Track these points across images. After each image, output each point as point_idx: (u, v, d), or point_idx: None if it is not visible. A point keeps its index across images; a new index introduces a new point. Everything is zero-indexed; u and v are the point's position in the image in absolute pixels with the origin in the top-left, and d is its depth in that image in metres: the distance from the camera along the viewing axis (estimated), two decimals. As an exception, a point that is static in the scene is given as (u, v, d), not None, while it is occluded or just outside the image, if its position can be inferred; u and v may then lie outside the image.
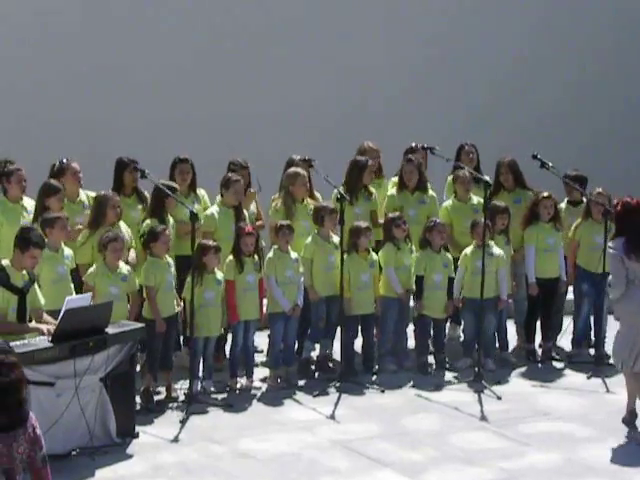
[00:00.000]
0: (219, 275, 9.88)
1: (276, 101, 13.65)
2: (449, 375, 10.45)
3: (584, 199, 10.92)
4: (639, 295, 8.69)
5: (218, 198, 10.39)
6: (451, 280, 10.55)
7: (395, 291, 10.46)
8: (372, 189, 10.83)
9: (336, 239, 10.33)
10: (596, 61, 15.44)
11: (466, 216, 10.80)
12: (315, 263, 10.24)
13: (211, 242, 9.81)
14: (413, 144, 11.12)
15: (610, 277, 8.92)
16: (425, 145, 10.77)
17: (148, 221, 10.01)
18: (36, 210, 9.75)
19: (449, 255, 10.63)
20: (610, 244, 8.91)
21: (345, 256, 10.16)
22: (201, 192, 10.63)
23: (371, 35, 14.36)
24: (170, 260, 9.71)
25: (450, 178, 11.29)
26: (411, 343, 10.81)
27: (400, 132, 12.33)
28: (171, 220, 10.15)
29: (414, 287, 10.54)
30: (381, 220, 10.78)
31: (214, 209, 10.35)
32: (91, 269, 9.44)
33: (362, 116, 13.91)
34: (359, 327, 10.48)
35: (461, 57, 14.82)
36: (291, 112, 13.77)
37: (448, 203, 11.05)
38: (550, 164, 10.50)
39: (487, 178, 10.46)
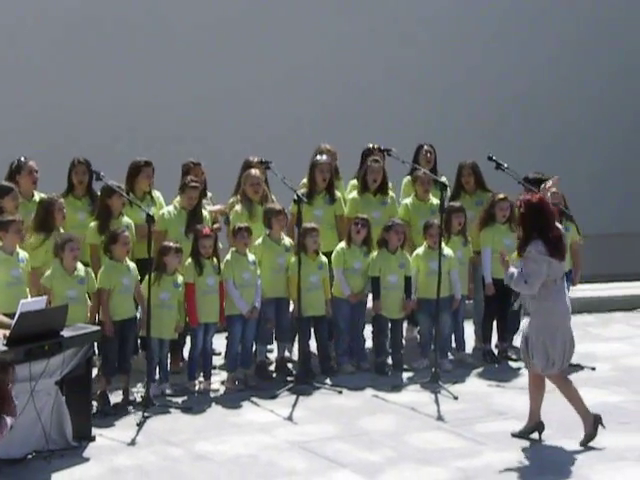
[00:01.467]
0: (179, 279, 9.86)
1: (235, 101, 13.58)
2: (406, 376, 10.49)
3: None
4: (562, 294, 8.50)
5: (177, 199, 10.36)
6: (408, 280, 10.57)
7: (344, 293, 10.46)
8: (337, 192, 10.80)
9: (287, 241, 10.33)
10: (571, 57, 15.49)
11: (424, 216, 10.84)
12: (263, 265, 10.23)
13: (172, 243, 9.79)
14: (370, 145, 11.13)
15: (517, 271, 8.44)
16: (382, 147, 10.78)
17: (92, 224, 9.96)
18: None
19: (407, 254, 10.66)
20: (530, 249, 8.37)
21: (293, 258, 10.17)
22: (156, 194, 10.61)
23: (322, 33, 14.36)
24: (131, 264, 9.67)
25: (407, 179, 11.32)
26: (369, 344, 10.83)
27: (356, 134, 12.33)
28: (125, 221, 10.09)
29: (365, 289, 10.53)
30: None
31: (168, 209, 10.36)
32: (47, 272, 9.38)
33: (320, 118, 13.91)
34: (311, 328, 10.47)
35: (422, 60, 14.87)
36: (250, 111, 13.78)
37: (408, 201, 11.07)
38: (505, 165, 10.51)
39: (444, 179, 10.52)
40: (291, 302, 10.45)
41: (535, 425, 8.75)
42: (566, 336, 8.55)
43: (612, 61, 15.99)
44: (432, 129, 13.58)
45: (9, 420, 5.17)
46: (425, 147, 11.32)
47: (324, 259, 10.43)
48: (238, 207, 10.54)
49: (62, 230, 9.80)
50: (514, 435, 8.77)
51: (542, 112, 15.62)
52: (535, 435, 8.74)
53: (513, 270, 8.52)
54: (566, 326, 8.56)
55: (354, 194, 10.95)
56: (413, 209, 11.00)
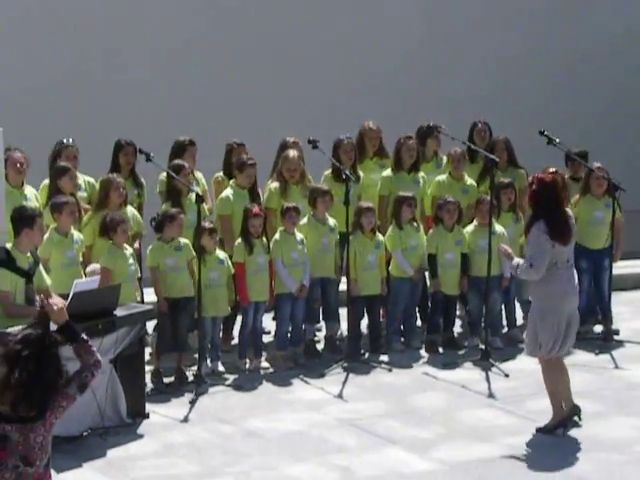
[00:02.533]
0: (221, 255, 9.89)
1: (277, 81, 13.60)
2: (457, 353, 10.50)
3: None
4: (561, 277, 8.29)
5: (232, 181, 10.39)
6: (464, 257, 10.54)
7: (406, 273, 10.47)
8: (360, 172, 10.76)
9: (332, 221, 10.34)
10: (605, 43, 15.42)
11: (455, 195, 10.73)
12: (308, 245, 10.23)
13: (207, 224, 9.81)
14: (428, 124, 11.04)
15: (521, 260, 8.32)
16: (432, 123, 10.74)
17: (164, 205, 10.06)
18: (49, 192, 9.76)
19: (463, 232, 10.62)
20: (533, 230, 8.23)
21: (350, 237, 10.18)
22: (198, 175, 10.64)
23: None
24: (183, 242, 9.71)
25: (446, 155, 11.22)
26: (418, 322, 10.87)
27: (402, 113, 12.31)
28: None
29: (426, 266, 10.53)
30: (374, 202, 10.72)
31: (229, 192, 10.36)
32: (104, 252, 9.45)
33: (366, 94, 13.87)
34: (365, 308, 10.50)
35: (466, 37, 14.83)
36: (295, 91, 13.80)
37: (441, 178, 11.01)
38: (557, 140, 10.46)
39: (493, 156, 10.42)
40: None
41: (571, 410, 8.52)
42: (560, 320, 8.28)
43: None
44: (478, 106, 13.52)
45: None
46: (479, 124, 11.24)
47: (381, 238, 10.42)
48: (273, 185, 10.53)
49: (128, 212, 9.89)
50: (538, 430, 8.49)
51: (583, 92, 15.49)
52: (576, 419, 8.55)
53: (517, 260, 8.39)
54: (561, 310, 8.28)
55: (388, 172, 10.88)
56: (445, 186, 10.92)
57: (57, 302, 5.31)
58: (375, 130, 10.97)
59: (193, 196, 9.74)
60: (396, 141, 10.76)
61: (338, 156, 10.57)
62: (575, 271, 8.45)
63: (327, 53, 14.30)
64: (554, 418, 8.44)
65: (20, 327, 5.17)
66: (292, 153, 10.47)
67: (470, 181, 10.91)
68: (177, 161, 10.12)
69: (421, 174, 10.91)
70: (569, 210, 8.49)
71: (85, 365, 5.31)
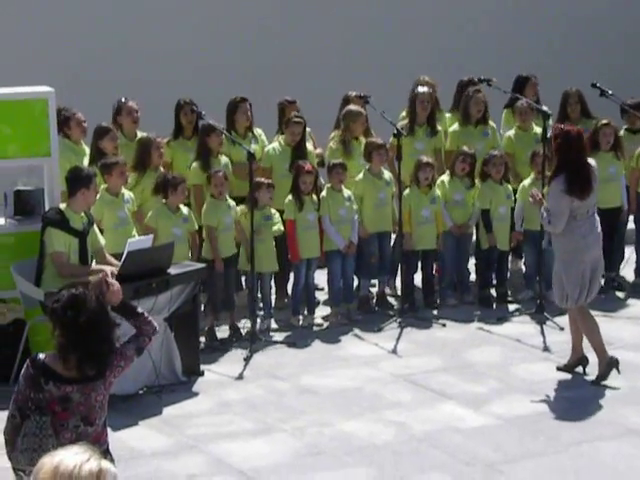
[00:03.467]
0: (271, 211, 9.89)
1: (327, 37, 13.55)
2: (511, 307, 10.45)
3: None
4: (581, 229, 8.35)
5: (279, 137, 10.40)
6: (512, 211, 10.50)
7: (446, 225, 10.44)
8: (438, 126, 10.71)
9: (387, 175, 10.31)
10: None
11: (528, 146, 10.66)
12: (365, 200, 10.22)
13: (264, 179, 9.83)
14: (465, 78, 10.98)
15: (546, 211, 8.35)
16: (482, 77, 10.64)
17: (194, 164, 10.02)
18: (91, 153, 9.81)
19: (509, 186, 10.57)
20: (553, 184, 8.32)
21: (407, 190, 10.13)
22: (258, 131, 10.62)
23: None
24: (231, 202, 9.75)
25: (507, 110, 11.16)
26: (472, 277, 10.79)
27: (448, 66, 12.17)
28: (223, 160, 10.13)
29: (468, 221, 10.49)
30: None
31: (273, 145, 10.37)
32: (151, 212, 9.50)
33: (413, 49, 13.78)
34: (419, 263, 10.48)
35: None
36: (345, 46, 13.72)
37: (511, 132, 10.93)
38: (610, 92, 10.36)
39: (546, 108, 10.34)
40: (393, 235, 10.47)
41: (578, 360, 8.64)
42: (584, 270, 8.35)
43: None
44: (534, 58, 13.34)
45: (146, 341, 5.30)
46: (533, 78, 11.12)
47: (437, 192, 10.37)
48: (333, 143, 10.51)
49: (162, 169, 9.88)
50: (559, 369, 8.67)
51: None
52: (579, 369, 8.62)
53: (543, 209, 8.40)
54: (584, 260, 8.36)
55: (455, 126, 10.84)
56: (516, 140, 10.86)
57: (114, 283, 5.34)
58: (431, 83, 10.85)
59: (223, 158, 9.84)
60: (464, 94, 10.70)
61: (414, 108, 10.54)
62: (597, 218, 8.49)
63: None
64: (600, 364, 8.51)
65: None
66: (355, 107, 10.43)
67: (539, 129, 10.68)
68: (211, 122, 10.04)
69: (491, 124, 10.84)
70: (592, 161, 8.46)
71: (143, 331, 5.38)
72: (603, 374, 8.48)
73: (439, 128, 10.77)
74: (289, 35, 13.68)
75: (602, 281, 8.70)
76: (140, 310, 5.43)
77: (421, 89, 10.65)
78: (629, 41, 15.10)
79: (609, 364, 8.46)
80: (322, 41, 13.72)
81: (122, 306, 5.37)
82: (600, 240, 8.53)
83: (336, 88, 11.10)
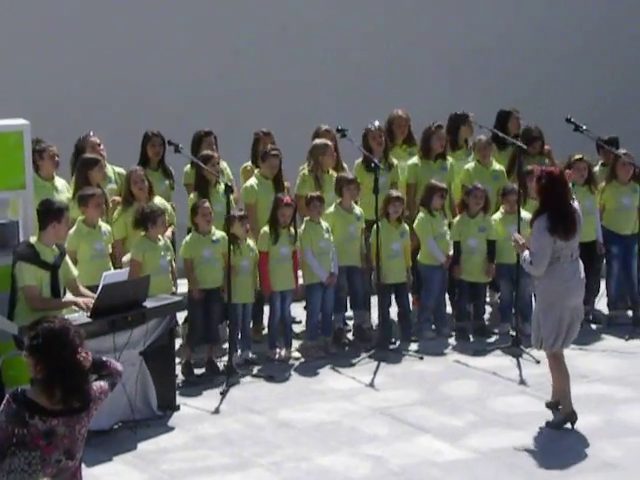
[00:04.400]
0: (252, 243, 9.93)
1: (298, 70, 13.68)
2: (488, 340, 10.47)
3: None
4: (564, 272, 8.22)
5: (257, 171, 10.42)
6: (491, 244, 10.53)
7: (439, 260, 10.47)
8: (393, 159, 10.76)
9: (358, 210, 10.36)
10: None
11: (485, 182, 10.75)
12: (335, 233, 10.23)
13: (237, 212, 9.83)
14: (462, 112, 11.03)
15: (528, 253, 8.24)
16: (462, 111, 10.76)
17: (192, 196, 10.07)
18: (77, 185, 9.80)
19: (489, 218, 10.61)
20: (536, 225, 8.21)
21: (376, 225, 10.18)
22: (223, 164, 10.63)
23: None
24: (219, 234, 9.73)
25: (473, 143, 11.20)
26: (449, 309, 10.82)
27: (421, 101, 12.21)
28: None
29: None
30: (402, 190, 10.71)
31: (253, 181, 10.39)
32: (134, 246, 9.47)
33: (386, 82, 13.85)
34: (392, 296, 10.48)
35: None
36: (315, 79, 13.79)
37: (470, 166, 11.00)
38: (584, 127, 10.47)
39: (520, 143, 10.40)
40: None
41: (567, 416, 8.38)
42: (562, 316, 8.22)
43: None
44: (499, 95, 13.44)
45: (103, 384, 5.28)
46: (513, 112, 11.20)
47: (406, 227, 10.43)
48: (303, 176, 10.52)
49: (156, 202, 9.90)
50: (548, 425, 8.40)
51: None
52: (568, 426, 8.39)
53: (526, 253, 8.30)
54: (564, 305, 8.22)
55: (414, 160, 10.86)
56: (475, 174, 10.90)
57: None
58: (404, 117, 10.96)
59: (222, 187, 9.80)
60: (425, 129, 10.76)
61: (368, 144, 10.57)
62: (581, 264, 8.38)
63: (359, 42, 14.23)
64: (562, 412, 8.38)
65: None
66: (324, 142, 10.47)
67: (499, 167, 10.91)
68: (206, 151, 10.13)
69: (449, 161, 10.90)
70: (575, 203, 8.45)
71: (114, 375, 5.40)
72: (557, 424, 8.36)
73: (395, 162, 10.78)
74: (262, 67, 13.72)
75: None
76: (104, 358, 5.43)
77: (372, 124, 10.66)
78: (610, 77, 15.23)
79: (568, 416, 8.34)
80: (297, 74, 13.78)
81: (92, 365, 5.34)
82: (582, 286, 8.40)
83: (309, 120, 11.13)
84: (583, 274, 8.40)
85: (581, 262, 8.39)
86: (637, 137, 12.28)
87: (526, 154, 10.64)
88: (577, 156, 10.69)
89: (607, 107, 14.38)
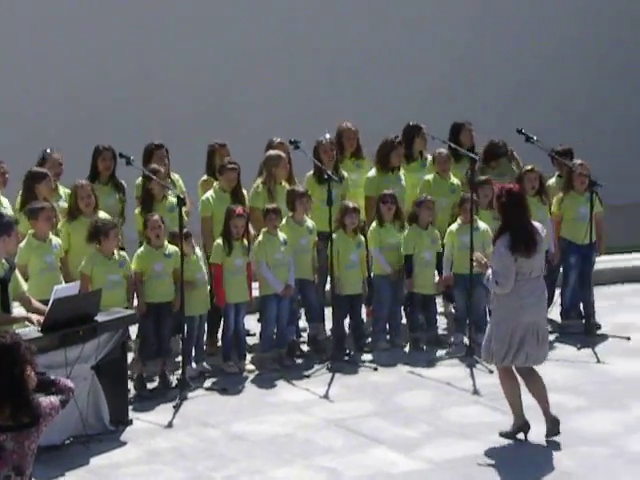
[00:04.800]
0: (201, 256, 9.90)
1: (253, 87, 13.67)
2: (441, 351, 10.48)
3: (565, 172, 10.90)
4: (520, 290, 8.15)
5: (215, 184, 10.37)
6: (439, 255, 10.56)
7: (385, 270, 10.47)
8: (343, 172, 10.74)
9: (310, 223, 10.34)
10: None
11: (444, 194, 10.81)
12: (288, 246, 10.18)
13: (177, 230, 9.60)
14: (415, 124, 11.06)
15: (491, 272, 8.16)
16: (411, 123, 10.80)
17: (136, 211, 10.04)
18: (23, 198, 9.72)
19: (436, 231, 10.65)
20: (498, 244, 8.16)
21: (333, 235, 10.17)
22: (175, 176, 10.58)
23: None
24: (172, 248, 9.66)
25: (432, 156, 11.23)
26: (402, 321, 10.82)
27: (376, 112, 12.25)
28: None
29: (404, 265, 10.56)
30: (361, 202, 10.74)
31: (209, 194, 10.34)
32: (85, 259, 9.39)
33: (333, 96, 13.88)
34: (348, 307, 10.47)
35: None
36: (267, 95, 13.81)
37: (430, 177, 11.03)
38: (535, 138, 10.48)
39: (473, 155, 10.46)
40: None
41: (519, 426, 8.37)
42: (514, 331, 8.16)
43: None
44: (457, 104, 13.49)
45: (54, 399, 5.22)
46: (466, 125, 11.25)
47: (362, 238, 10.42)
48: (257, 188, 10.49)
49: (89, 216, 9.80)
50: (501, 435, 8.40)
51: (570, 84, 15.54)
52: (521, 436, 8.39)
53: (489, 272, 8.26)
54: (517, 322, 8.16)
55: (372, 173, 10.85)
56: (434, 186, 10.94)
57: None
58: (353, 130, 10.95)
59: (170, 200, 9.82)
60: (382, 142, 10.76)
61: (319, 156, 10.56)
62: (542, 282, 8.32)
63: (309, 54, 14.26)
64: (514, 424, 8.36)
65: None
66: (277, 153, 10.44)
67: (456, 180, 10.97)
68: (153, 165, 10.10)
69: (402, 172, 10.92)
70: (536, 223, 8.43)
71: (64, 392, 5.35)
72: (510, 434, 8.35)
73: (345, 175, 10.76)
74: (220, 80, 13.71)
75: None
76: (52, 377, 5.37)
77: (324, 137, 10.64)
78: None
79: (520, 428, 8.33)
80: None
81: (39, 385, 5.28)
82: (541, 304, 8.32)
83: (264, 132, 11.13)
84: (545, 292, 8.37)
85: (543, 282, 8.33)
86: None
87: (487, 167, 10.75)
88: (528, 167, 10.75)
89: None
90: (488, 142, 11.12)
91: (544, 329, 8.37)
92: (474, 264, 8.81)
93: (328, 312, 10.52)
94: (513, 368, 8.32)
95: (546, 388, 8.37)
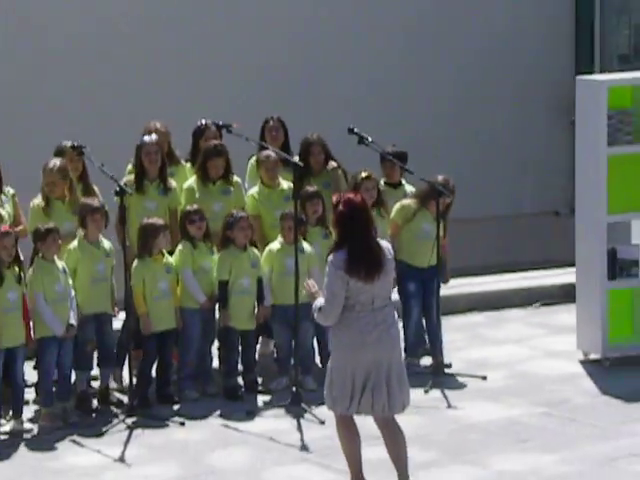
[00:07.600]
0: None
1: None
2: (262, 399, 9.57)
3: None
4: (361, 323, 7.24)
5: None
6: (259, 282, 9.57)
7: (196, 299, 9.38)
8: (172, 181, 9.78)
9: (107, 244, 9.35)
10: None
11: (276, 206, 9.76)
12: (80, 274, 9.17)
13: None
14: (203, 121, 10.01)
15: (321, 301, 7.29)
16: (220, 122, 9.71)
17: None
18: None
19: (256, 252, 9.63)
20: (331, 258, 7.29)
21: (136, 262, 9.18)
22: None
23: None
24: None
25: (253, 160, 10.19)
26: (215, 363, 9.88)
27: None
28: None
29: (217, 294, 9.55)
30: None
31: None
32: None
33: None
34: (157, 346, 9.40)
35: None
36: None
37: (254, 191, 9.99)
38: (370, 139, 9.65)
39: (296, 160, 9.49)
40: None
41: None
42: (355, 374, 7.25)
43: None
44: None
45: None
46: (271, 122, 10.19)
47: (171, 260, 9.43)
48: (37, 201, 9.46)
49: None
50: None
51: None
52: None
53: (319, 301, 7.30)
54: (356, 360, 7.22)
55: (191, 182, 9.85)
56: (261, 199, 9.93)
57: None
58: (163, 132, 9.99)
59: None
60: (203, 149, 9.84)
61: (141, 161, 9.67)
62: (389, 312, 7.32)
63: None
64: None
65: None
66: (52, 162, 9.38)
67: (288, 184, 9.85)
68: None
69: (235, 180, 9.96)
70: (383, 242, 7.45)
71: None
72: None
73: (173, 184, 9.78)
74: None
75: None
76: None
77: (147, 138, 9.66)
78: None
79: None
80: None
81: None
82: (389, 341, 7.27)
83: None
84: (395, 324, 7.35)
85: (390, 313, 7.32)
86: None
87: (312, 171, 9.84)
88: (364, 174, 9.72)
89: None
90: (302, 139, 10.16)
91: (398, 370, 7.38)
92: (304, 292, 7.86)
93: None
94: (354, 417, 7.38)
95: (406, 445, 7.44)
